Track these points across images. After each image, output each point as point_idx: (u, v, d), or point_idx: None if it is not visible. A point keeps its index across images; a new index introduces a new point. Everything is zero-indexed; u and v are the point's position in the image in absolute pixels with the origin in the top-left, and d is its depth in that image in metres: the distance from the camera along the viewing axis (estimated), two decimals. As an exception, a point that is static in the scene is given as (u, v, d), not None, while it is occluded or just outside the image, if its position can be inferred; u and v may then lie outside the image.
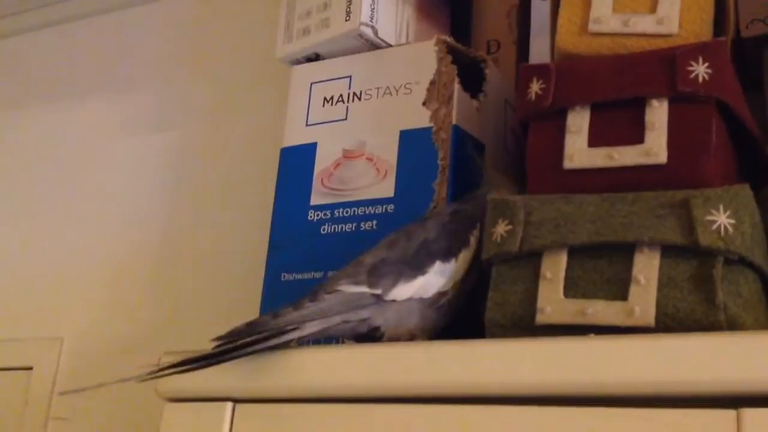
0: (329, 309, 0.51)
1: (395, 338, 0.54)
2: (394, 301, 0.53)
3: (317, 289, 0.53)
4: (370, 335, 0.54)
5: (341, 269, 0.55)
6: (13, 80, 1.19)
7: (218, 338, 0.50)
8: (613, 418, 0.43)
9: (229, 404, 0.54)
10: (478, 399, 0.46)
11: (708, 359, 0.41)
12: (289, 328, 0.50)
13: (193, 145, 1.00)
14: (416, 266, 0.54)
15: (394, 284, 0.53)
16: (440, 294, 0.55)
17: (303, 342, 0.52)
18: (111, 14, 1.13)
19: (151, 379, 0.51)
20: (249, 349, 0.50)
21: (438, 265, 0.55)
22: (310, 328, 0.51)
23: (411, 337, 0.54)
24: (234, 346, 0.50)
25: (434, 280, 0.54)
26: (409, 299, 0.53)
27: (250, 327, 0.50)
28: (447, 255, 0.55)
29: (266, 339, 0.50)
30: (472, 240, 0.56)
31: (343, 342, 0.58)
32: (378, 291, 0.52)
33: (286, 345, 0.51)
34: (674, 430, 0.41)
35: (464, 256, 0.56)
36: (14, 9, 1.18)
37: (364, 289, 0.52)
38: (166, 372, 0.50)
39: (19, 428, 0.95)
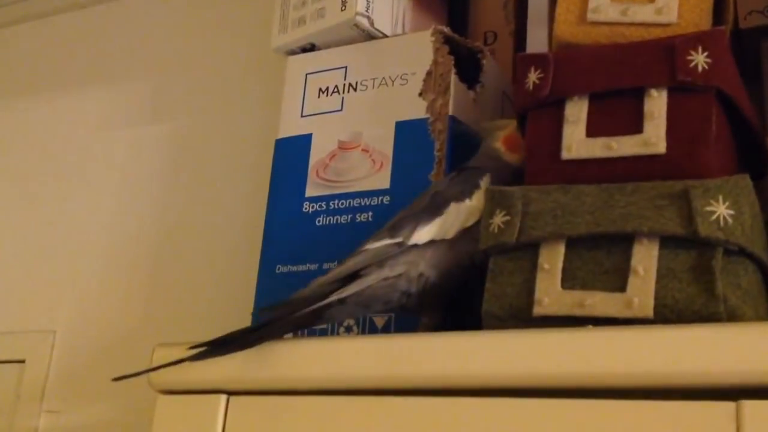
0: (356, 264, 0.53)
1: (440, 283, 0.55)
2: (416, 245, 0.54)
3: (344, 258, 0.54)
4: (417, 290, 0.54)
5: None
6: (6, 71, 1.19)
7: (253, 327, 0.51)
8: (611, 410, 0.42)
9: (223, 396, 0.54)
10: (475, 391, 0.46)
11: (707, 351, 0.41)
12: (328, 290, 0.51)
13: (188, 137, 0.99)
14: (432, 211, 0.55)
15: (413, 230, 0.54)
16: (464, 230, 0.55)
17: (344, 306, 0.53)
18: (104, 5, 1.12)
19: (205, 359, 0.51)
20: (290, 317, 0.50)
21: (453, 206, 0.56)
22: (349, 290, 0.52)
23: (452, 277, 0.55)
24: (275, 317, 0.50)
25: (453, 219, 0.55)
26: (432, 242, 0.54)
27: (289, 302, 0.51)
28: (460, 196, 0.56)
29: (308, 305, 0.51)
30: (482, 183, 0.58)
31: (384, 313, 0.59)
32: (399, 239, 0.54)
33: (329, 307, 0.52)
34: (673, 422, 0.41)
35: (478, 195, 0.57)
36: (3, 0, 1.17)
37: (386, 241, 0.54)
38: (214, 352, 0.50)
39: (11, 421, 0.94)
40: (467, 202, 0.56)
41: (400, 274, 0.53)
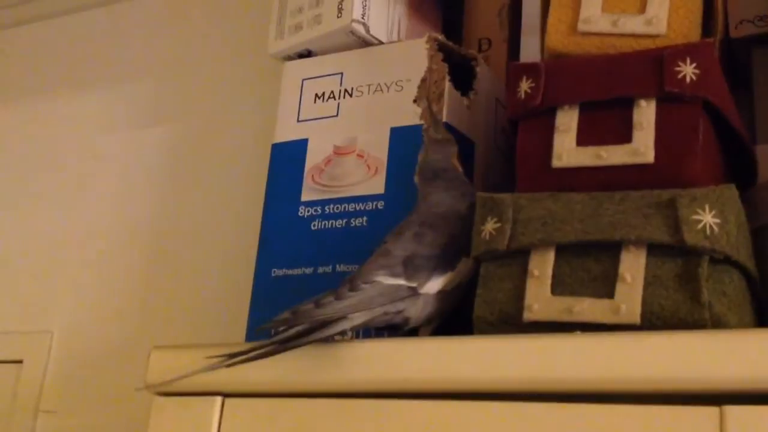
0: (371, 300, 0.52)
1: (417, 325, 0.55)
2: (425, 293, 0.54)
3: (353, 278, 0.53)
4: (401, 325, 0.55)
5: (371, 259, 0.55)
6: (6, 73, 1.19)
7: (263, 327, 0.50)
8: (598, 414, 0.43)
9: (219, 398, 0.54)
10: (465, 395, 0.47)
11: (692, 357, 0.41)
12: (336, 317, 0.51)
13: (185, 141, 1.00)
14: (448, 262, 0.55)
15: (428, 278, 0.54)
16: (458, 285, 0.56)
17: (348, 333, 0.53)
18: (103, 8, 1.12)
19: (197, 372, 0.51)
20: (304, 340, 0.50)
21: (464, 261, 0.56)
22: (358, 319, 0.52)
23: (428, 322, 0.55)
24: (287, 336, 0.50)
25: (459, 275, 0.56)
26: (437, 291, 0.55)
27: (296, 316, 0.50)
28: (469, 252, 0.56)
29: (316, 329, 0.50)
30: None
31: (377, 333, 0.58)
32: (414, 284, 0.53)
33: (336, 336, 0.52)
34: (658, 426, 0.41)
35: None
36: (7, 2, 1.17)
37: (401, 281, 0.53)
38: (232, 362, 0.51)
39: (8, 421, 0.95)
40: (473, 258, 0.55)
41: (399, 311, 0.53)
